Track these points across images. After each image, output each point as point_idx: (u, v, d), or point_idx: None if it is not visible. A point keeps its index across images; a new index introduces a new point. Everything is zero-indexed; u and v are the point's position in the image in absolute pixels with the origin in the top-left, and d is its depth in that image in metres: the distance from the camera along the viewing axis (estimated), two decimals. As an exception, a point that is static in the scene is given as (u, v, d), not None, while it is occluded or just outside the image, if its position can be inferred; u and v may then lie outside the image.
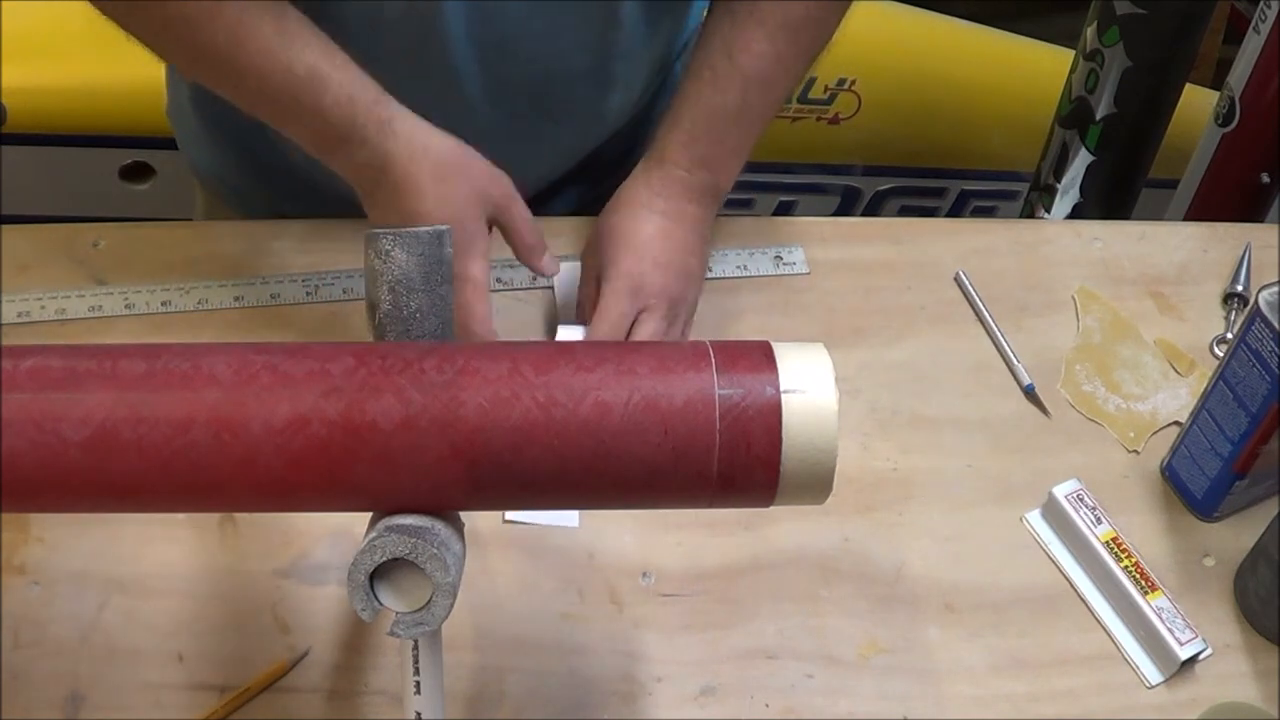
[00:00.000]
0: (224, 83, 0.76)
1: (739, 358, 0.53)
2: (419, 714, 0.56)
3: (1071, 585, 0.78)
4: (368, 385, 0.52)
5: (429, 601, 0.52)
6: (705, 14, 0.86)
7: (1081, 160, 1.33)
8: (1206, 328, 0.92)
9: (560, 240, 0.92)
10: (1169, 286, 0.94)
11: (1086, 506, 0.80)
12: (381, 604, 0.52)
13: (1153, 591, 0.76)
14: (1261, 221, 1.34)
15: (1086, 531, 0.78)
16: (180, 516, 0.76)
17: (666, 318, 0.83)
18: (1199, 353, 0.91)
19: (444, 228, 0.60)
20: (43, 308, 0.85)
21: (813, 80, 1.49)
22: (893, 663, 0.74)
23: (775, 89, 0.84)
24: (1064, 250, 0.96)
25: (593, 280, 0.84)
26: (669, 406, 0.52)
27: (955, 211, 1.66)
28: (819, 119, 1.53)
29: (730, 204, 1.70)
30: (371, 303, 0.60)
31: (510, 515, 0.77)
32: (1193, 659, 0.74)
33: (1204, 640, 0.75)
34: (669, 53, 0.96)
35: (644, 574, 0.76)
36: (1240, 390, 0.75)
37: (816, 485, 0.53)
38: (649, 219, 0.83)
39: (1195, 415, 0.80)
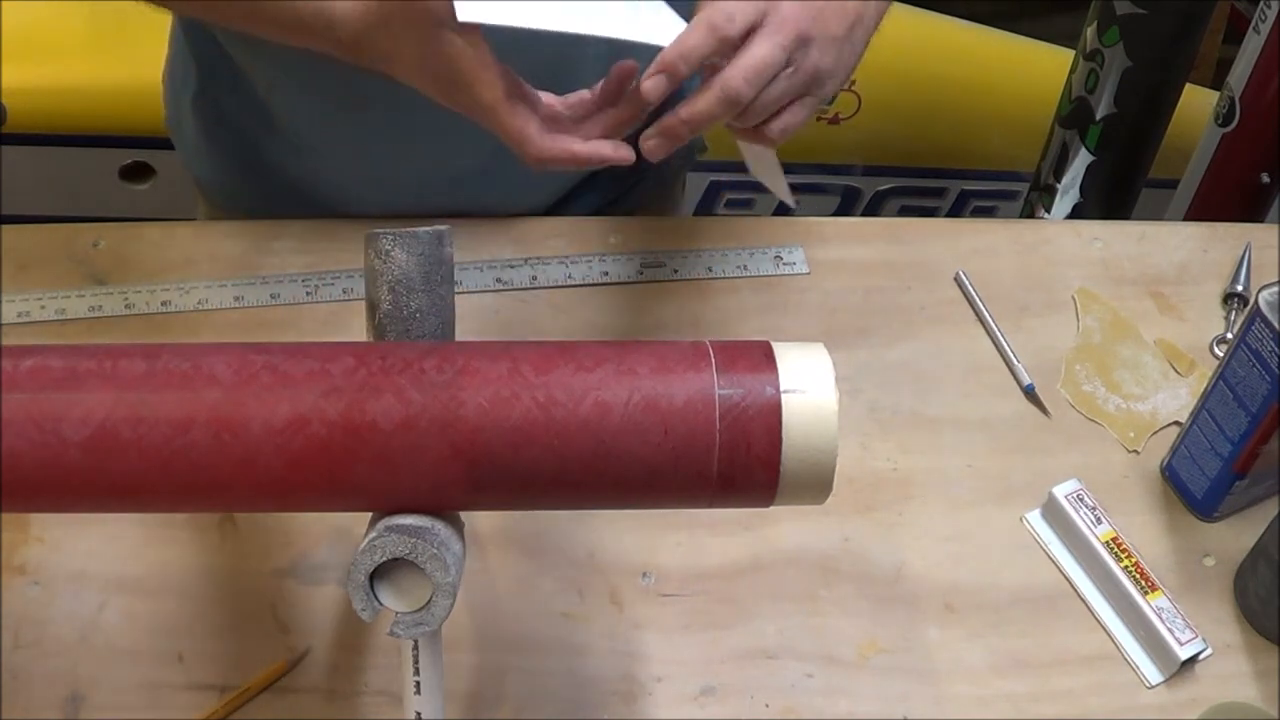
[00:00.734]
0: None
1: (739, 358, 0.53)
2: (419, 714, 0.56)
3: (1071, 585, 0.78)
4: (368, 385, 0.52)
5: (429, 601, 0.52)
6: None
7: (1081, 160, 1.33)
8: (1206, 328, 0.92)
9: (560, 240, 0.92)
10: (1169, 286, 0.94)
11: (1086, 506, 0.80)
12: (381, 604, 0.52)
13: (1153, 591, 0.76)
14: (1261, 221, 1.34)
15: (1086, 531, 0.78)
16: (180, 516, 0.76)
17: (788, 51, 0.66)
18: (1199, 353, 0.91)
19: (444, 228, 0.60)
20: (43, 308, 0.85)
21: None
22: (893, 663, 0.74)
23: None
24: (1064, 250, 0.96)
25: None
26: (669, 406, 0.52)
27: (955, 211, 1.66)
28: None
29: (730, 204, 1.70)
30: (371, 303, 0.60)
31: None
32: (1193, 659, 0.74)
33: (1204, 640, 0.75)
34: None
35: (644, 574, 0.76)
36: (1240, 390, 0.75)
37: (816, 485, 0.53)
38: None
39: (1195, 415, 0.80)
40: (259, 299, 0.87)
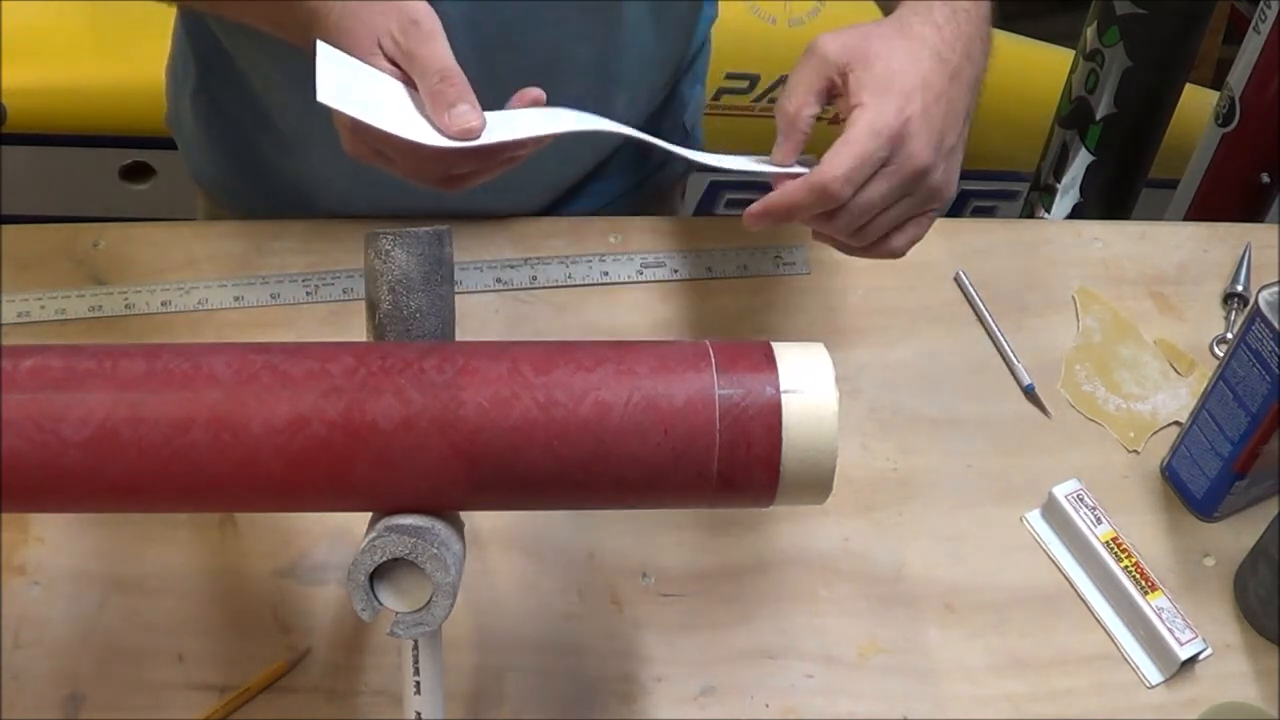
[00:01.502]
0: None
1: (739, 358, 0.53)
2: (419, 714, 0.56)
3: (1071, 585, 0.78)
4: (368, 385, 0.52)
5: (429, 601, 0.52)
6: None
7: (1081, 160, 1.33)
8: (1206, 328, 0.92)
9: (560, 240, 0.92)
10: (1169, 286, 0.94)
11: (1086, 506, 0.80)
12: (381, 604, 0.52)
13: (1153, 591, 0.76)
14: (1261, 221, 1.34)
15: (1086, 531, 0.78)
16: (180, 516, 0.76)
17: (907, 191, 0.67)
18: (1199, 353, 0.90)
19: (444, 228, 0.60)
20: (43, 308, 0.85)
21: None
22: (892, 663, 0.74)
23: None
24: (1064, 250, 0.96)
25: (813, 95, 0.70)
26: (669, 406, 0.52)
27: (955, 211, 1.66)
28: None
29: (730, 204, 1.70)
30: (371, 303, 0.60)
31: None
32: (1193, 659, 0.74)
33: (1204, 640, 0.75)
34: (677, 60, 0.96)
35: (644, 574, 0.76)
36: (1240, 390, 0.75)
37: (816, 485, 0.53)
38: (923, 55, 0.67)
39: (1195, 415, 0.80)
40: (259, 299, 0.87)
